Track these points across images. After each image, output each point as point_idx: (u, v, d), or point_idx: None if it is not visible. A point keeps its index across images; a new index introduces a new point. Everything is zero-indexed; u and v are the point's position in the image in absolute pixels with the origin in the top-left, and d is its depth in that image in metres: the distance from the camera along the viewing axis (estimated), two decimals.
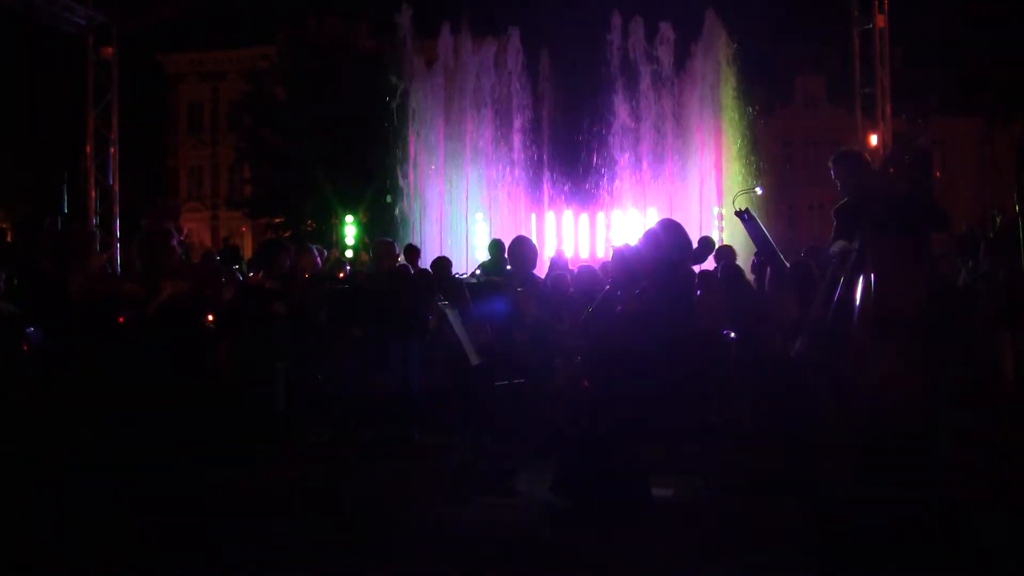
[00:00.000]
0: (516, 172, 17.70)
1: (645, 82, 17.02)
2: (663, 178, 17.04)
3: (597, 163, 17.66)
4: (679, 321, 4.83)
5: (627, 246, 5.21)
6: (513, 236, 7.14)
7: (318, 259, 8.36)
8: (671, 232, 4.91)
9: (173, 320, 5.69)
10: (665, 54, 16.85)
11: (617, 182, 17.31)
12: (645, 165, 17.18)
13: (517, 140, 17.72)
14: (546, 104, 18.61)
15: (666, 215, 15.63)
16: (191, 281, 5.97)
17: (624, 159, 17.24)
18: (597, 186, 17.66)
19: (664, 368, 4.60)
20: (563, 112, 19.39)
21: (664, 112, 17.07)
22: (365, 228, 23.36)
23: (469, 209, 17.12)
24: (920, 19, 18.94)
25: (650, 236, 4.97)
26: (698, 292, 7.97)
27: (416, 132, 17.28)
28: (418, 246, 10.58)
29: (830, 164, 5.11)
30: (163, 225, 6.33)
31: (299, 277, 7.48)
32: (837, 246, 4.88)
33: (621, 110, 17.11)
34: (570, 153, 18.62)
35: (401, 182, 17.55)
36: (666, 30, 16.91)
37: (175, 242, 6.11)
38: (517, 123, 17.69)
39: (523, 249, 6.88)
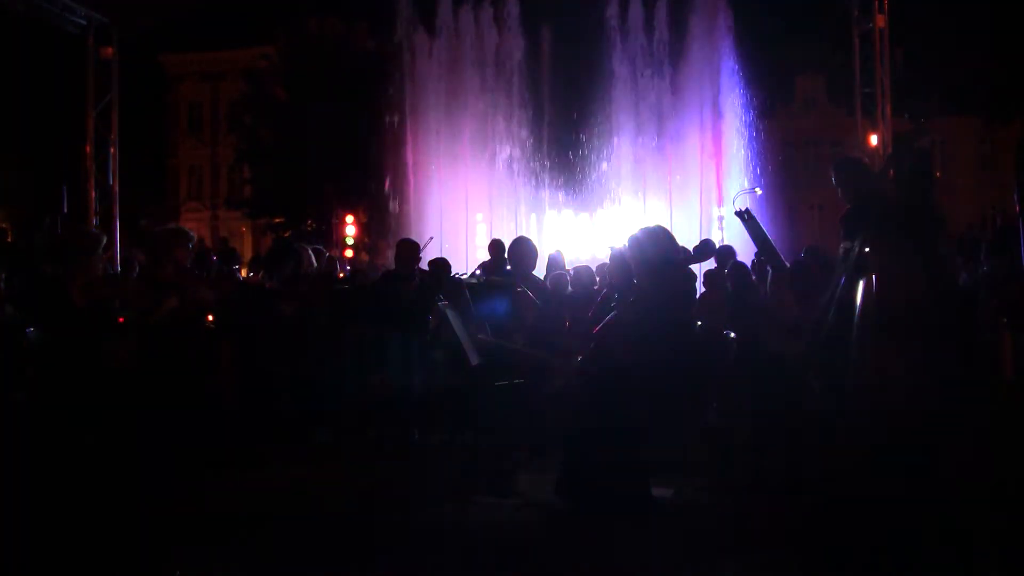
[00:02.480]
0: (516, 172, 17.71)
1: (645, 81, 17.03)
2: (663, 178, 17.05)
3: (597, 163, 17.67)
4: (677, 321, 4.83)
5: (626, 247, 5.21)
6: (512, 236, 7.13)
7: (314, 259, 8.33)
8: (654, 239, 4.89)
9: (173, 321, 5.69)
10: (665, 51, 16.87)
11: (616, 182, 17.32)
12: (644, 165, 17.19)
13: (517, 140, 17.73)
14: (546, 104, 18.61)
15: (666, 216, 15.73)
16: (193, 286, 6.00)
17: (624, 159, 17.24)
18: (596, 186, 17.67)
19: (663, 369, 4.60)
20: (563, 111, 19.39)
21: (664, 112, 17.08)
22: (365, 228, 23.36)
23: (469, 209, 17.13)
24: (920, 19, 18.93)
25: (633, 243, 4.96)
26: (700, 291, 7.99)
27: (413, 123, 17.31)
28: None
29: (832, 171, 5.13)
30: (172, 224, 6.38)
31: (303, 279, 7.47)
32: (842, 249, 4.88)
33: (621, 109, 17.11)
34: (570, 152, 18.63)
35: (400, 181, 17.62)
36: (665, 29, 16.93)
37: (189, 244, 6.11)
38: (517, 121, 17.69)
39: (523, 249, 6.87)
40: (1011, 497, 4.52)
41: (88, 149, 15.13)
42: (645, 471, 4.69)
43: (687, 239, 5.92)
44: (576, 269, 7.88)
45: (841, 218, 5.11)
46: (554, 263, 8.88)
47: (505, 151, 17.67)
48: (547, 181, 18.24)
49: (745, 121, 16.95)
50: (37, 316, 5.92)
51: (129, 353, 5.65)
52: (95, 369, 5.51)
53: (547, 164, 18.32)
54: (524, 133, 17.84)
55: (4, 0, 13.46)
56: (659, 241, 4.87)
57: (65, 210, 14.02)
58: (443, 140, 17.62)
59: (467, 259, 14.88)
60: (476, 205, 17.34)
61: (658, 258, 4.79)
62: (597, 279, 7.62)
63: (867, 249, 4.64)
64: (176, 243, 5.99)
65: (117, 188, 15.37)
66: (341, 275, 9.67)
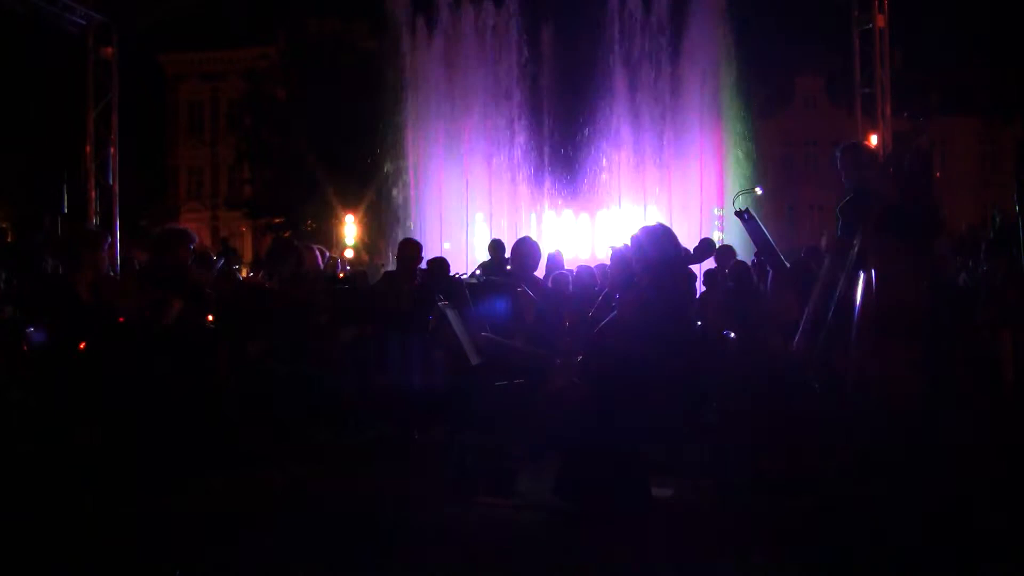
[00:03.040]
0: (516, 171, 17.71)
1: (645, 81, 17.04)
2: (663, 178, 17.05)
3: (597, 162, 17.67)
4: (677, 321, 4.83)
5: (626, 247, 5.21)
6: (512, 236, 7.13)
7: (319, 258, 8.34)
8: (655, 239, 4.89)
9: (176, 320, 5.69)
10: (665, 51, 16.88)
11: (616, 182, 17.32)
12: (644, 164, 17.19)
13: (517, 139, 17.74)
14: (546, 104, 18.61)
15: (666, 215, 15.73)
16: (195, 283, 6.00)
17: (624, 158, 17.24)
18: (596, 186, 17.67)
19: (663, 369, 4.60)
20: (563, 111, 19.39)
21: (664, 110, 17.09)
22: (365, 228, 23.36)
23: (469, 209, 17.13)
24: (920, 19, 18.95)
25: (635, 242, 4.97)
26: (701, 291, 7.98)
27: (413, 124, 17.33)
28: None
29: (837, 154, 5.14)
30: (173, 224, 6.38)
31: (303, 278, 7.47)
32: (838, 243, 4.89)
33: (620, 109, 17.12)
34: (570, 152, 18.63)
35: (400, 179, 17.64)
36: (666, 28, 16.94)
37: (191, 245, 6.10)
38: (517, 122, 17.71)
39: (525, 249, 6.87)
40: (1011, 497, 4.53)
41: (88, 149, 15.13)
42: (645, 471, 4.69)
43: (687, 239, 5.91)
44: (576, 269, 7.88)
45: (839, 207, 5.11)
46: (554, 263, 8.89)
47: (505, 151, 17.67)
48: (547, 181, 18.24)
49: (745, 121, 16.94)
50: (44, 314, 5.91)
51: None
52: (98, 368, 5.51)
53: (547, 164, 18.32)
54: (524, 133, 17.85)
55: (4, 0, 13.45)
56: (660, 241, 4.86)
57: (65, 210, 14.03)
58: (443, 140, 17.62)
59: (467, 259, 14.88)
60: (476, 205, 17.35)
61: (658, 258, 4.79)
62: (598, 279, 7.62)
63: (866, 246, 4.66)
64: (177, 243, 5.99)
65: (117, 188, 15.37)
66: (341, 275, 9.67)
